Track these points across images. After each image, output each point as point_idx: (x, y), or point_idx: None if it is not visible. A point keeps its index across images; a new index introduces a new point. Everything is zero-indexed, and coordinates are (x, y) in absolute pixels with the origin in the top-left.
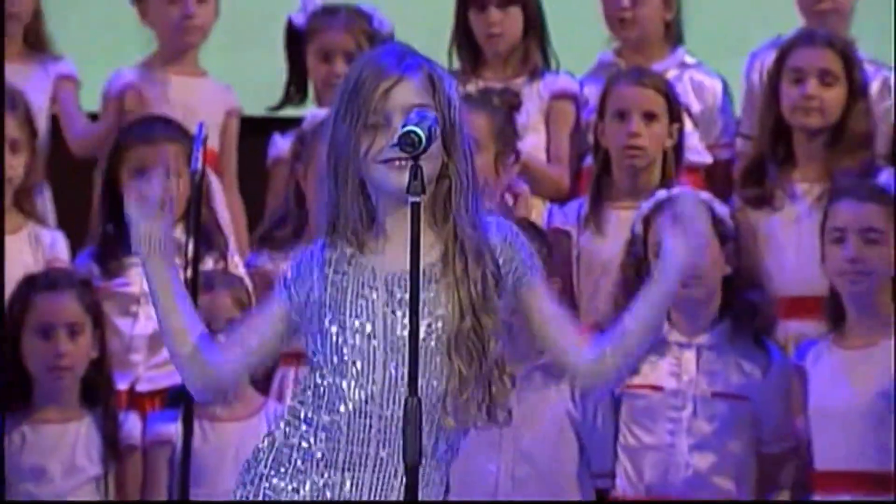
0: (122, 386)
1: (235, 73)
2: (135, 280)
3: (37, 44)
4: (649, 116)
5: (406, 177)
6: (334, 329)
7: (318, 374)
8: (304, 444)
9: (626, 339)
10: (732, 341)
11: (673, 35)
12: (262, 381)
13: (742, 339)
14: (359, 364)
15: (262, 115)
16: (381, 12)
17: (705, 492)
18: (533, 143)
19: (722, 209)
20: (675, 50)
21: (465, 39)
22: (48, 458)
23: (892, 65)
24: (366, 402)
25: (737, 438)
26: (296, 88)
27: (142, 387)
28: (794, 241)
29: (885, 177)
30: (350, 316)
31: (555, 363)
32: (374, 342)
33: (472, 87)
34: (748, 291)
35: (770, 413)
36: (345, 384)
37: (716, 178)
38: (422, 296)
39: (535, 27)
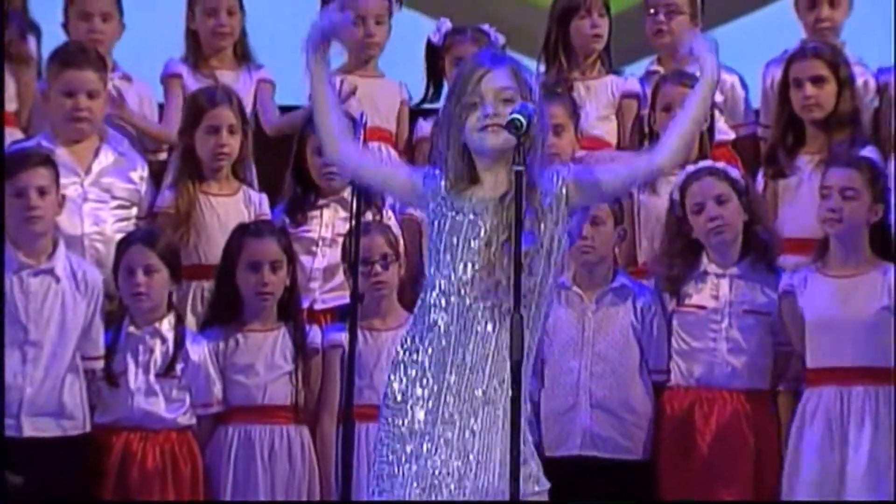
0: (304, 305)
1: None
2: (314, 228)
3: (243, 56)
4: None
5: (495, 139)
6: (441, 234)
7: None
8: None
9: (680, 127)
10: (755, 271)
11: None
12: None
13: (761, 269)
14: (451, 264)
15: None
16: (494, 30)
17: (739, 382)
18: (606, 129)
19: (735, 172)
20: None
21: (557, 46)
22: (256, 357)
23: (872, 66)
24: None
25: (761, 343)
26: (433, 89)
27: (318, 306)
28: (797, 199)
29: (867, 151)
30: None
31: (641, 181)
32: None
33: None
34: (761, 234)
35: (782, 323)
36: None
37: (739, 150)
38: (493, 220)
39: (610, 35)
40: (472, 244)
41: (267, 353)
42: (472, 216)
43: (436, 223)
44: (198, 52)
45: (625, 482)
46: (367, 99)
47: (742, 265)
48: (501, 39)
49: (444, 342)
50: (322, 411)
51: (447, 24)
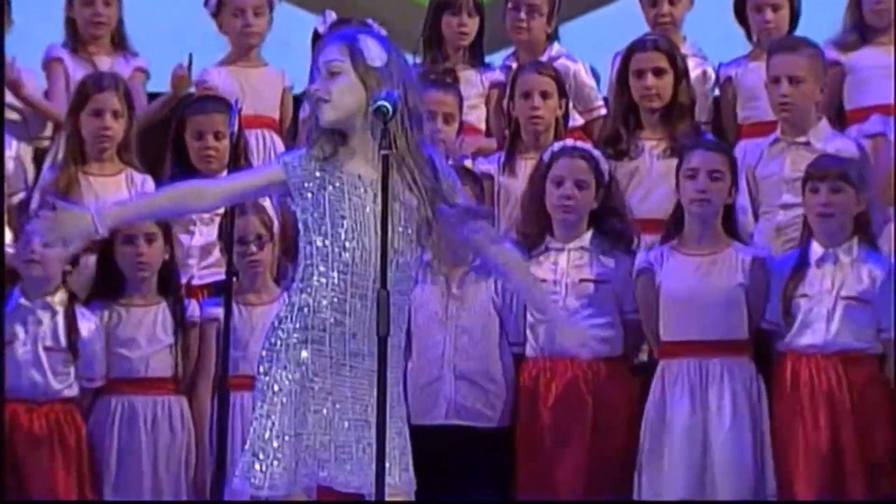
0: (182, 281)
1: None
2: None
3: (120, 44)
4: (545, 95)
5: (323, 114)
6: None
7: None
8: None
9: (514, 285)
10: (595, 243)
11: (550, 37)
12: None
13: (602, 241)
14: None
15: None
16: (377, 24)
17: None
18: (476, 116)
19: (604, 165)
20: (550, 46)
21: (433, 38)
22: (137, 331)
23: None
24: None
25: (601, 309)
26: None
27: (195, 282)
28: (643, 181)
29: (708, 138)
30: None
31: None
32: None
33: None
34: (614, 223)
35: (626, 290)
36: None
37: (590, 134)
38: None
39: (482, 30)
40: (345, 218)
41: (148, 327)
42: (342, 189)
43: (309, 198)
44: (76, 39)
45: (487, 449)
46: (249, 88)
47: (583, 240)
48: (384, 33)
49: (322, 319)
50: (199, 381)
51: (332, 16)
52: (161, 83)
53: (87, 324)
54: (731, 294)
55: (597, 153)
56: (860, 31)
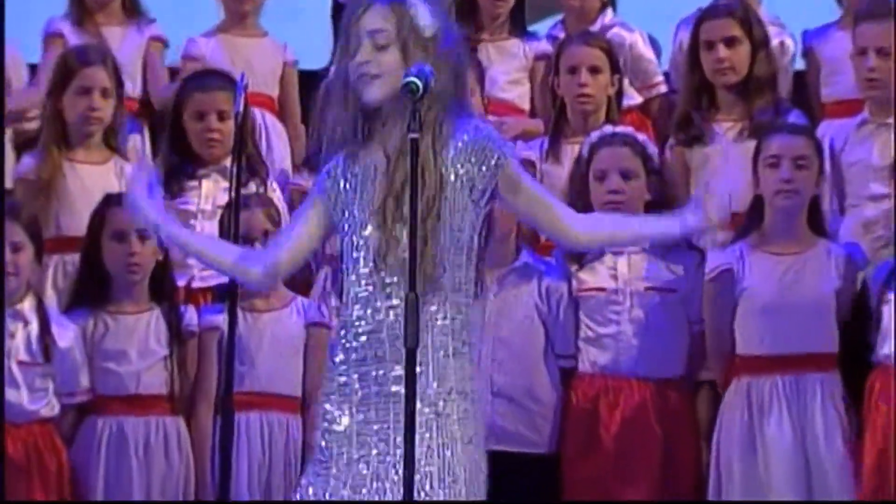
0: (180, 283)
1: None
2: (193, 200)
3: (133, 10)
4: (594, 70)
5: (371, 91)
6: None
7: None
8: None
9: (619, 231)
10: (657, 247)
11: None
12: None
13: (663, 245)
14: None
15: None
16: None
17: (647, 369)
18: (517, 93)
19: (652, 149)
20: (603, 13)
21: (469, 4)
22: (127, 342)
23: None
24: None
25: (670, 322)
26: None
27: (196, 284)
28: (719, 169)
29: (794, 116)
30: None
31: (547, 229)
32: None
33: None
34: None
35: (694, 297)
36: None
37: (649, 114)
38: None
39: None
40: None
41: (140, 337)
42: (369, 182)
43: (346, 194)
44: (81, 7)
45: (531, 477)
46: (242, 60)
47: None
48: None
49: (363, 338)
50: (198, 399)
51: None
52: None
53: (64, 331)
54: (822, 300)
55: (641, 136)
56: None
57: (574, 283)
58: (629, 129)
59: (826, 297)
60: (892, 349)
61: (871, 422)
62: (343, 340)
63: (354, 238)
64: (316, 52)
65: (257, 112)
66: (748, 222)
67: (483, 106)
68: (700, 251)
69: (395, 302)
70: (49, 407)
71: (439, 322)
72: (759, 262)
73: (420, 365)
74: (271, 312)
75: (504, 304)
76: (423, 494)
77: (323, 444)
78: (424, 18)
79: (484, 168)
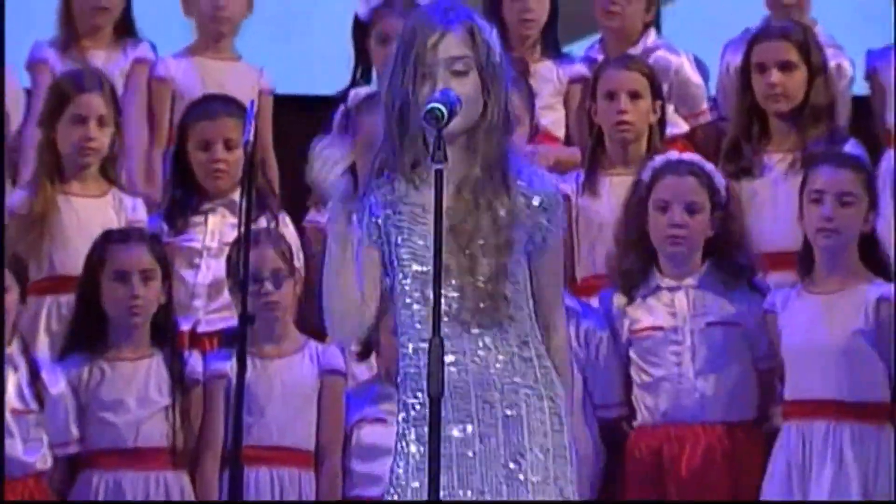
0: (184, 328)
1: (276, 58)
2: (198, 236)
3: (125, 30)
4: (634, 95)
5: (452, 121)
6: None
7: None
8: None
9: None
10: (715, 278)
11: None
12: None
13: (723, 275)
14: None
15: (297, 93)
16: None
17: (713, 413)
18: (552, 119)
19: (720, 181)
20: (645, 34)
21: (495, 23)
22: (125, 391)
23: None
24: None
25: (735, 360)
26: (361, 72)
27: (202, 328)
28: (770, 204)
29: (850, 146)
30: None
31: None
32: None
33: None
34: (735, 254)
35: (760, 333)
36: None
37: (698, 144)
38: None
39: (555, 14)
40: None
41: (139, 386)
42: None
43: (391, 235)
44: (70, 31)
45: None
46: (215, 84)
47: (700, 274)
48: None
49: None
50: (204, 453)
51: None
52: None
53: (54, 376)
54: (852, 343)
55: (709, 166)
56: None
57: (625, 322)
58: (696, 157)
59: (851, 337)
60: None
61: None
62: (403, 396)
63: (408, 283)
64: (305, 76)
65: None
66: (801, 261)
67: (530, 135)
68: (761, 291)
69: (453, 357)
70: (43, 459)
71: (508, 380)
72: (800, 303)
73: (490, 427)
74: (283, 358)
75: None
76: None
77: None
78: (495, 43)
79: (538, 223)
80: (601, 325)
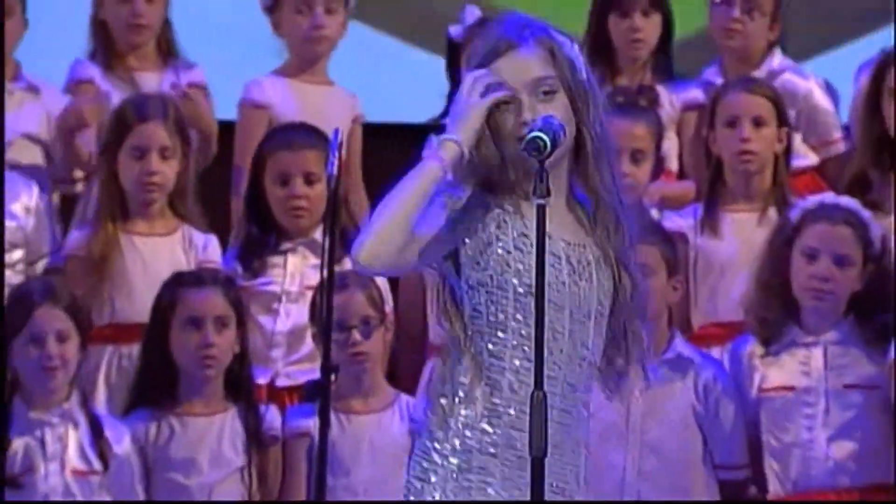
0: (261, 381)
1: (356, 83)
2: (276, 279)
3: (169, 52)
4: (758, 122)
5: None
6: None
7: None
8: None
9: None
10: (858, 335)
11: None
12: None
13: (867, 332)
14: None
15: (381, 121)
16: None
17: (847, 478)
18: (663, 150)
19: (876, 232)
20: (770, 56)
21: (602, 44)
22: (197, 449)
23: None
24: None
25: (873, 425)
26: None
27: (281, 382)
28: None
29: None
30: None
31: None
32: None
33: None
34: (881, 313)
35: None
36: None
37: (829, 177)
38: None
39: (669, 35)
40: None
41: (212, 444)
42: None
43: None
44: (108, 49)
45: None
46: (313, 111)
47: (842, 328)
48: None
49: (500, 440)
50: None
51: (475, 13)
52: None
53: (117, 433)
54: None
55: (866, 214)
56: None
57: (756, 378)
58: (853, 204)
59: None
60: None
61: None
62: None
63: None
64: (381, 104)
65: None
66: None
67: (655, 170)
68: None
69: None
70: None
71: (574, 437)
72: None
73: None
74: (371, 415)
75: (653, 403)
76: None
77: None
78: (578, 59)
79: (616, 282)
80: (723, 378)
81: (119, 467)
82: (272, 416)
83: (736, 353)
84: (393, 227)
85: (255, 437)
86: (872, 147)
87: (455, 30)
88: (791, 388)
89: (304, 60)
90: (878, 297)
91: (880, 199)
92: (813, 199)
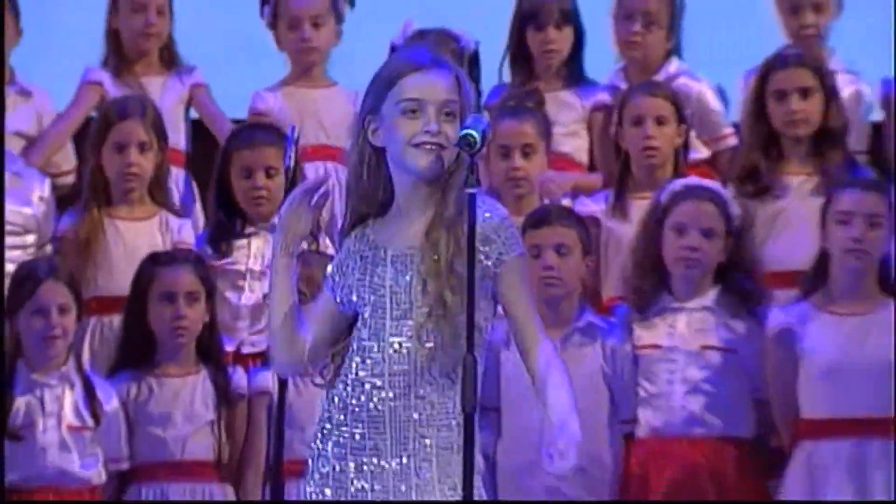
0: (229, 347)
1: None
2: (241, 259)
3: (171, 60)
4: (660, 121)
5: (427, 160)
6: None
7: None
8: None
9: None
10: (721, 304)
11: (670, 52)
12: None
13: (730, 300)
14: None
15: None
16: (468, 35)
17: (700, 429)
18: (575, 146)
19: (735, 209)
20: (667, 62)
21: (521, 54)
22: (172, 406)
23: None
24: (379, 362)
25: (728, 384)
26: None
27: (246, 349)
28: (790, 225)
29: (863, 171)
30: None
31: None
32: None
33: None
34: (742, 281)
35: (758, 364)
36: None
37: (719, 169)
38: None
39: (580, 45)
40: (399, 303)
41: (186, 401)
42: (393, 267)
43: (351, 278)
44: (120, 56)
45: None
46: (307, 112)
47: (707, 298)
48: (474, 44)
49: (375, 425)
50: (247, 466)
51: (412, 26)
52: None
53: (108, 394)
54: (885, 363)
55: (726, 194)
56: None
57: (632, 339)
58: (715, 184)
59: (886, 359)
60: None
61: None
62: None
63: (366, 326)
64: None
65: (330, 166)
66: (812, 281)
67: (547, 161)
68: (763, 316)
69: (393, 392)
70: (98, 475)
71: (448, 419)
72: (821, 323)
73: (425, 461)
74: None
75: (567, 366)
76: None
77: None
78: (472, 93)
79: (489, 257)
80: (624, 343)
81: (108, 423)
82: (238, 378)
83: (619, 318)
84: (280, 333)
85: (224, 396)
86: (760, 142)
87: (396, 39)
88: (658, 347)
89: (301, 69)
90: (739, 267)
91: (770, 186)
92: (679, 182)
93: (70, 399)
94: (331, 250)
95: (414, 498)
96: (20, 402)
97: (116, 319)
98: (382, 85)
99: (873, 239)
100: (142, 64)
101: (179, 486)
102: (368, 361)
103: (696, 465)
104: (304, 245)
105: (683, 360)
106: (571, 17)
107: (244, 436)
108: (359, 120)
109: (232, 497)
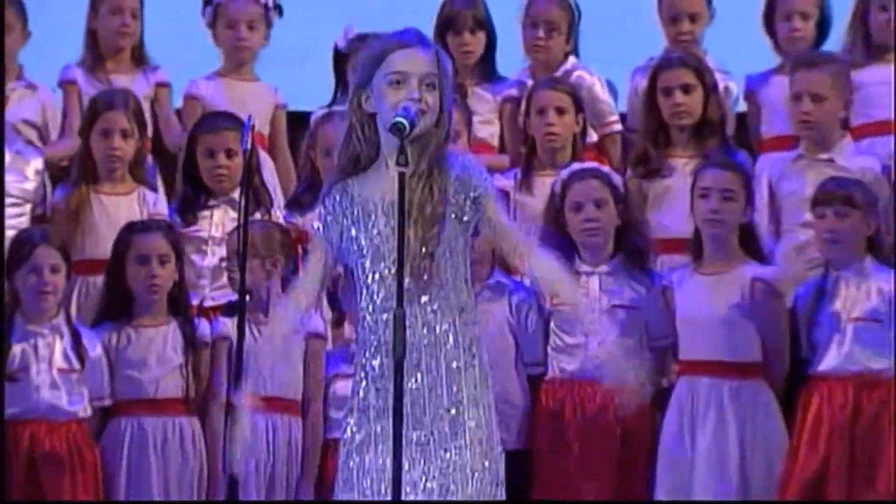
0: (194, 302)
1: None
2: (204, 228)
3: (140, 59)
4: (561, 111)
5: (422, 121)
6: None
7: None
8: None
9: (544, 285)
10: (624, 269)
11: (567, 54)
12: None
13: (630, 268)
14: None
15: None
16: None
17: (607, 376)
18: (489, 132)
19: (617, 179)
20: (565, 59)
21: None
22: (147, 351)
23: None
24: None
25: (631, 336)
26: (341, 93)
27: (208, 303)
28: (674, 200)
29: (740, 156)
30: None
31: (508, 258)
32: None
33: None
34: (634, 238)
35: (653, 316)
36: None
37: (605, 150)
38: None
39: (493, 45)
40: (386, 238)
41: (158, 348)
42: (385, 215)
43: (349, 228)
44: (95, 54)
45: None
46: (238, 102)
47: (612, 263)
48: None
49: (382, 356)
50: (210, 402)
51: (353, 30)
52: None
53: (92, 342)
54: (730, 314)
55: (606, 168)
56: (866, 47)
57: (549, 298)
58: (595, 164)
59: (731, 310)
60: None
61: (805, 431)
62: (362, 358)
63: (367, 267)
64: (306, 95)
65: (263, 155)
66: (694, 247)
67: (468, 147)
68: (653, 272)
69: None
70: (84, 409)
71: (451, 340)
72: (692, 282)
73: (436, 378)
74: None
75: (479, 318)
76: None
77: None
78: (451, 70)
79: (470, 200)
80: (529, 299)
81: (92, 366)
82: (203, 327)
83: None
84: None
85: (191, 343)
86: (651, 131)
87: (339, 41)
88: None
89: (233, 64)
90: (629, 226)
91: (659, 168)
92: (566, 171)
93: (60, 346)
94: (281, 220)
95: (435, 352)
96: (17, 349)
97: (99, 279)
98: (374, 60)
99: (727, 210)
100: (113, 61)
101: (153, 419)
102: (378, 299)
103: (606, 409)
104: (258, 215)
105: (597, 316)
106: (484, 24)
107: (208, 376)
108: (354, 90)
109: (198, 427)
